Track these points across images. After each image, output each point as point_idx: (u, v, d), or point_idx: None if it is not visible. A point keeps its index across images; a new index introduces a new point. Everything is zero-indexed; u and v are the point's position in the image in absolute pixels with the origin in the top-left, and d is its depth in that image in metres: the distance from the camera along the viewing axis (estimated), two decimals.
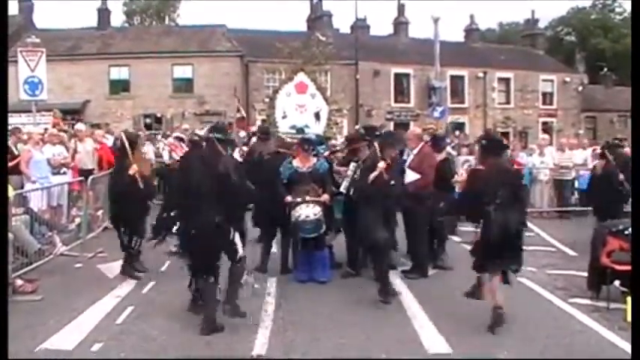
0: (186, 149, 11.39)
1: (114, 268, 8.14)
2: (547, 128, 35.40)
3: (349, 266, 8.20)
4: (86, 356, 5.29)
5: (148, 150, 14.67)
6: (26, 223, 8.44)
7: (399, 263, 8.39)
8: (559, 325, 6.25)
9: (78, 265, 8.72)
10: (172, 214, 6.11)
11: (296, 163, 7.87)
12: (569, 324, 6.29)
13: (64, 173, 11.32)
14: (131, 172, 7.64)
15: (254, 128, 17.27)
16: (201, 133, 11.15)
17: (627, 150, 11.55)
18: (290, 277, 7.97)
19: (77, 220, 10.54)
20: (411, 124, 30.93)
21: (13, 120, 13.86)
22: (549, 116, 37.62)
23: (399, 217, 8.24)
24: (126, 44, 32.15)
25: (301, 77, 9.95)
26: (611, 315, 6.41)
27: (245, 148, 13.63)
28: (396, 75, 34.55)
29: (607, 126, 39.24)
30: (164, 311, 6.42)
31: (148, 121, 30.12)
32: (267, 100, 13.13)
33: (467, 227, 8.94)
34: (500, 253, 5.74)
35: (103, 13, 34.60)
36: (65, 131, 13.71)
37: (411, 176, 8.04)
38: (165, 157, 14.45)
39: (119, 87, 31.27)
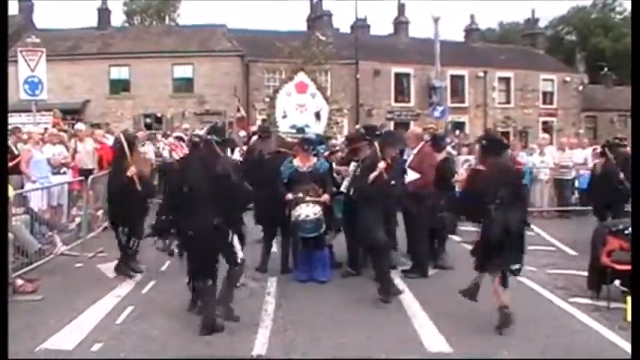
0: (187, 149, 11.40)
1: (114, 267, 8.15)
2: (547, 128, 35.41)
3: (349, 266, 8.20)
4: (86, 356, 5.29)
5: (148, 150, 14.70)
6: (26, 222, 8.45)
7: (399, 263, 8.39)
8: (559, 324, 6.25)
9: (78, 264, 8.72)
10: (171, 216, 6.11)
11: (296, 162, 7.88)
12: (569, 323, 6.29)
13: (64, 173, 11.32)
14: (129, 174, 7.65)
15: (254, 128, 17.27)
16: (201, 133, 11.14)
17: (628, 149, 11.55)
18: (290, 277, 7.97)
19: (77, 220, 10.54)
20: (412, 123, 30.91)
21: (13, 120, 13.86)
22: (549, 116, 37.63)
23: (399, 216, 8.26)
24: (126, 44, 32.17)
25: (301, 77, 9.94)
26: (612, 314, 6.40)
27: (245, 148, 13.66)
28: (397, 74, 34.56)
29: (607, 125, 39.22)
30: (164, 311, 6.42)
31: (148, 120, 30.15)
32: (267, 99, 13.15)
33: (467, 227, 8.97)
34: (500, 252, 5.73)
35: (103, 13, 34.62)
36: (65, 131, 13.71)
37: (410, 176, 8.04)
38: (166, 157, 14.44)
39: (119, 87, 31.30)
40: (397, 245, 8.46)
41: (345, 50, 30.52)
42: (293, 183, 7.79)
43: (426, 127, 13.76)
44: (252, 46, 31.16)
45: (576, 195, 15.07)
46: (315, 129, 9.42)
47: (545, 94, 37.89)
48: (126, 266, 7.93)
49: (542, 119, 37.31)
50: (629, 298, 5.81)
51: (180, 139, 14.33)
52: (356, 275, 8.03)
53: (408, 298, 6.98)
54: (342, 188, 7.92)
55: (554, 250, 10.17)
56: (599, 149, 11.96)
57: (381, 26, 62.00)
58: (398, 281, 7.61)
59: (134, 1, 49.72)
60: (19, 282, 7.13)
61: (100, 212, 11.11)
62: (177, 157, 11.66)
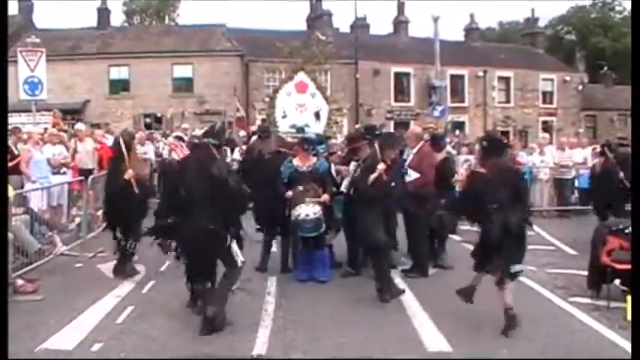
0: (186, 149, 11.39)
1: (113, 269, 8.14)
2: (547, 127, 35.42)
3: (349, 265, 8.20)
4: (86, 356, 5.29)
5: (148, 149, 14.69)
6: (26, 222, 8.44)
7: (400, 262, 8.39)
8: (559, 324, 6.25)
9: (78, 264, 8.72)
10: (169, 218, 6.11)
11: (296, 162, 7.88)
12: (569, 323, 6.30)
13: (64, 173, 11.32)
14: (126, 176, 7.65)
15: (254, 128, 17.29)
16: (200, 134, 11.14)
17: (627, 149, 11.54)
18: (290, 277, 7.97)
19: (77, 220, 10.54)
20: (411, 123, 30.87)
21: (13, 120, 13.87)
22: (549, 115, 37.64)
23: (400, 216, 8.25)
24: (126, 44, 32.16)
25: (301, 76, 9.95)
26: (612, 314, 6.40)
27: (245, 148, 13.66)
28: (396, 74, 34.56)
29: (607, 125, 39.26)
30: (164, 311, 6.42)
31: (148, 120, 30.13)
32: (267, 99, 13.16)
33: (467, 226, 8.95)
34: (500, 253, 5.72)
35: (103, 13, 34.60)
36: (65, 131, 13.71)
37: (410, 175, 8.03)
38: (166, 157, 14.42)
39: (119, 87, 31.30)
40: (398, 245, 8.46)
41: (344, 50, 30.51)
42: (293, 183, 7.79)
43: (425, 127, 13.76)
44: (252, 45, 31.15)
45: (576, 194, 15.08)
46: (315, 129, 9.43)
47: (544, 93, 37.90)
48: (124, 267, 7.93)
49: (541, 119, 37.31)
50: (629, 298, 5.81)
51: (179, 138, 14.31)
52: (356, 275, 8.03)
53: (408, 298, 6.98)
54: (342, 188, 7.92)
55: (554, 250, 10.17)
56: (598, 149, 11.95)
57: (381, 26, 62.20)
58: (398, 281, 7.61)
59: (134, 1, 49.72)
60: (19, 282, 7.13)
61: (99, 212, 11.08)
62: (176, 157, 11.66)
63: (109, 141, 13.09)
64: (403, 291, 7.04)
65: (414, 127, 10.44)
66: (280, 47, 24.54)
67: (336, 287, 7.56)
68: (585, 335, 5.92)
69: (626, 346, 5.33)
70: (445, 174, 8.50)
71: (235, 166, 12.99)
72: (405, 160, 8.37)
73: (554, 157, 14.88)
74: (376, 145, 7.19)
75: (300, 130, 9.28)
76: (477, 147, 7.99)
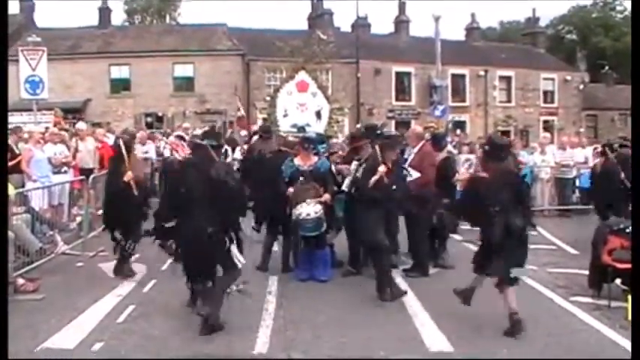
0: (187, 148, 11.39)
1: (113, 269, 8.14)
2: (548, 127, 35.43)
3: (350, 265, 8.20)
4: (87, 355, 5.29)
5: (149, 149, 14.70)
6: (27, 222, 8.44)
7: (400, 262, 8.38)
8: (560, 323, 6.25)
9: (79, 264, 8.73)
10: (169, 218, 6.11)
11: (297, 161, 7.88)
12: (570, 322, 6.30)
13: (65, 172, 11.33)
14: (126, 179, 7.66)
15: (255, 127, 17.27)
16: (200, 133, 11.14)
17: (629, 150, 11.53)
18: (291, 276, 7.97)
19: (78, 219, 10.56)
20: (412, 122, 30.89)
21: (14, 119, 13.89)
22: (550, 115, 37.63)
23: (400, 217, 8.23)
24: (127, 43, 32.15)
25: (302, 76, 9.98)
26: (612, 313, 6.40)
27: (246, 147, 13.66)
28: (397, 73, 34.55)
29: (608, 124, 39.25)
30: (165, 310, 6.43)
31: (149, 119, 30.12)
32: (268, 98, 13.15)
33: (468, 226, 8.93)
34: (500, 255, 5.69)
35: (104, 12, 34.58)
36: (66, 130, 13.72)
37: (411, 175, 8.02)
38: (167, 156, 14.43)
39: (120, 86, 31.27)
40: (399, 249, 8.44)
41: (345, 49, 30.49)
42: (294, 182, 7.79)
43: (426, 126, 13.75)
44: (253, 45, 31.15)
45: (577, 194, 15.08)
46: (316, 128, 9.45)
47: (545, 92, 37.90)
48: (125, 266, 7.93)
49: (542, 118, 37.32)
50: (629, 297, 5.80)
51: (181, 138, 14.31)
52: (357, 274, 8.03)
53: (409, 298, 6.97)
54: (344, 187, 7.91)
55: (555, 249, 10.16)
56: (599, 148, 11.94)
57: (382, 25, 62.02)
58: (399, 280, 7.61)
59: (135, 0, 49.70)
60: (20, 281, 7.14)
61: (100, 212, 11.11)
62: (177, 157, 11.65)
63: (110, 140, 13.10)
64: (405, 292, 7.02)
65: (415, 127, 10.44)
66: (281, 46, 24.44)
67: (337, 287, 7.56)
68: (586, 335, 5.92)
69: (627, 345, 5.32)
70: (446, 173, 8.50)
71: (236, 165, 13.01)
72: (406, 160, 8.36)
73: (555, 156, 14.86)
74: (377, 147, 7.16)
75: (301, 129, 9.28)
76: (479, 150, 7.95)
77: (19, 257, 7.68)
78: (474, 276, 6.08)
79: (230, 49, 31.73)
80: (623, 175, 9.50)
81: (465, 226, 9.70)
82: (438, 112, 22.09)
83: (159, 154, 14.94)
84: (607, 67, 44.38)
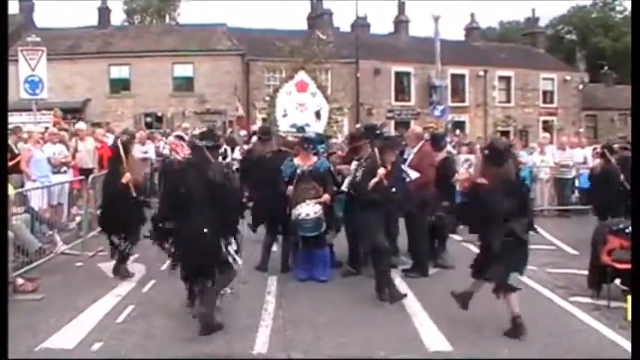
0: (187, 148, 11.40)
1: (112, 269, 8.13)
2: (547, 127, 35.43)
3: (350, 265, 8.20)
4: (87, 355, 5.29)
5: (149, 148, 14.71)
6: (27, 222, 8.44)
7: (400, 262, 8.38)
8: (560, 323, 6.25)
9: (78, 263, 8.73)
10: (168, 219, 6.10)
11: (297, 161, 7.87)
12: (569, 323, 6.30)
13: (65, 172, 11.32)
14: (124, 180, 7.66)
15: (255, 127, 17.29)
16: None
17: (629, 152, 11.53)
18: (290, 276, 7.97)
19: (78, 219, 10.56)
20: (412, 122, 30.87)
21: (14, 119, 13.86)
22: (550, 115, 37.64)
23: (400, 218, 8.22)
24: (126, 43, 32.14)
25: (302, 76, 9.97)
26: (612, 314, 6.40)
27: (246, 147, 13.67)
28: (397, 73, 34.57)
29: (607, 124, 39.27)
30: (164, 310, 6.43)
31: (148, 119, 30.12)
32: (267, 98, 13.16)
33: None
34: (499, 260, 5.67)
35: (104, 12, 34.58)
36: (66, 130, 13.71)
37: (410, 175, 8.02)
38: (167, 155, 14.44)
39: (119, 86, 31.27)
40: (399, 251, 8.44)
41: (345, 49, 30.47)
42: (294, 182, 7.78)
43: (426, 127, 13.76)
44: (253, 45, 31.15)
45: (576, 194, 15.08)
46: (316, 128, 9.44)
47: (545, 93, 37.91)
48: (121, 267, 7.92)
49: (542, 118, 37.33)
50: (629, 297, 5.80)
51: (180, 138, 14.32)
52: (356, 274, 8.03)
53: (409, 298, 6.96)
54: (344, 187, 7.91)
55: (554, 249, 10.15)
56: (598, 149, 11.94)
57: (382, 25, 61.93)
58: (399, 281, 7.60)
59: (134, 0, 49.70)
60: (20, 281, 7.13)
61: (99, 212, 11.11)
62: (177, 157, 11.67)
63: (110, 140, 13.11)
64: (405, 295, 6.98)
65: (415, 127, 10.40)
66: (281, 46, 24.46)
67: (337, 286, 7.56)
68: (586, 335, 5.92)
69: (627, 345, 5.33)
70: (445, 173, 8.50)
71: (236, 165, 13.02)
72: (406, 160, 8.36)
73: (555, 156, 14.87)
74: (376, 150, 7.15)
75: (301, 129, 9.28)
76: (479, 154, 7.91)
77: (19, 257, 7.68)
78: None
79: (230, 49, 31.73)
80: (622, 177, 9.50)
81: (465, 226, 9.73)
82: (437, 112, 22.11)
83: (158, 154, 14.94)
84: (606, 68, 44.41)
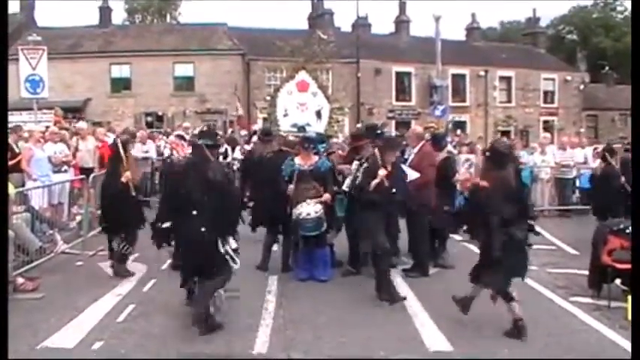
0: (187, 148, 11.41)
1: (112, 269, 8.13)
2: (548, 127, 35.44)
3: (350, 264, 8.19)
4: (87, 354, 5.29)
5: (149, 148, 14.71)
6: (27, 221, 8.43)
7: (400, 262, 8.38)
8: (560, 323, 6.25)
9: (79, 263, 8.73)
10: (168, 220, 6.10)
11: (298, 161, 7.87)
12: (570, 323, 6.30)
13: (65, 171, 11.33)
14: (124, 179, 7.68)
15: (255, 126, 17.29)
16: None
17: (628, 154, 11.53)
18: (291, 276, 7.97)
19: (78, 218, 10.55)
20: (413, 122, 30.89)
21: (14, 118, 13.88)
22: (550, 115, 37.64)
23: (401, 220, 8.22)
24: (127, 42, 32.15)
25: (302, 75, 9.98)
26: (612, 314, 6.41)
27: (247, 147, 13.67)
28: (398, 73, 34.58)
29: (608, 124, 39.26)
30: (165, 309, 6.43)
31: (149, 119, 30.13)
32: (268, 98, 13.16)
33: None
34: (499, 268, 5.66)
35: (105, 11, 34.60)
36: (66, 129, 13.71)
37: (411, 175, 8.02)
38: (170, 155, 14.44)
39: (120, 85, 31.28)
40: (399, 252, 8.43)
41: (346, 49, 30.45)
42: (294, 181, 7.77)
43: (426, 127, 13.75)
44: (253, 44, 31.14)
45: (577, 194, 15.08)
46: (316, 127, 9.44)
47: (546, 93, 37.91)
48: (121, 267, 7.92)
49: (543, 118, 37.33)
50: (629, 298, 5.80)
51: (181, 137, 14.34)
52: (357, 274, 8.02)
53: (409, 297, 6.97)
54: (345, 187, 7.90)
55: (554, 249, 10.15)
56: (599, 149, 11.93)
57: (382, 25, 62.16)
58: (399, 281, 7.61)
59: None
60: (20, 280, 7.14)
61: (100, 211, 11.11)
62: (177, 156, 11.67)
63: (111, 139, 13.12)
64: (404, 298, 6.96)
65: (415, 127, 10.43)
66: (281, 46, 24.44)
67: (337, 286, 7.56)
68: (586, 335, 5.92)
69: (627, 345, 5.33)
70: (446, 173, 8.49)
71: (236, 165, 13.03)
72: (406, 160, 8.36)
73: (556, 156, 14.86)
74: (376, 150, 7.13)
75: (301, 129, 9.27)
76: (479, 154, 7.90)
77: (19, 256, 7.68)
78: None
79: (230, 49, 31.73)
80: (623, 179, 9.48)
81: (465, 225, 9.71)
82: (438, 112, 22.10)
83: (159, 153, 14.94)
84: (607, 68, 44.39)
